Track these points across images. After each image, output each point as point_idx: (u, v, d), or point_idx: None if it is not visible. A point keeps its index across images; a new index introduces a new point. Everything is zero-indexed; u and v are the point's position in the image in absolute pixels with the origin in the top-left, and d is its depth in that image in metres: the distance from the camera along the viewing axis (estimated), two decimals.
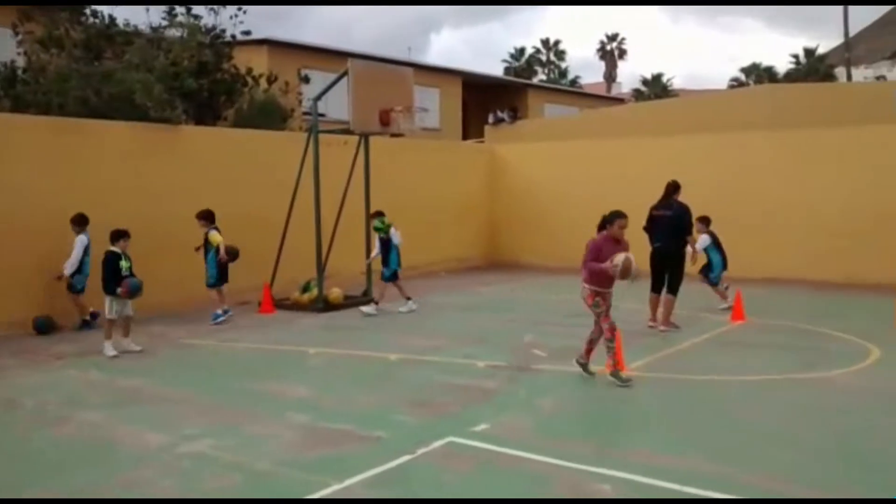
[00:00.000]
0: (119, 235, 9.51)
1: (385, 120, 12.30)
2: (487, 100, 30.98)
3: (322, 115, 14.04)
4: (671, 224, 10.56)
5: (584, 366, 8.07)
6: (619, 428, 6.53)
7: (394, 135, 13.58)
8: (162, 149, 12.81)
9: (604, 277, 7.73)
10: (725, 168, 16.44)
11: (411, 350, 9.47)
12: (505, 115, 21.59)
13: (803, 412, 6.86)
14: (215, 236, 11.48)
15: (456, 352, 9.39)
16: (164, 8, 16.11)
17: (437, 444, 5.99)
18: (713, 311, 11.85)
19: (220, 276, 11.61)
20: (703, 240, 12.08)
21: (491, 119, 21.77)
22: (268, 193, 13.78)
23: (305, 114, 17.53)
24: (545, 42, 62.73)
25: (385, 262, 12.26)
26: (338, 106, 16.79)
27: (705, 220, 12.35)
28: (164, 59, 14.75)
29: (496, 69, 58.45)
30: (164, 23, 16.01)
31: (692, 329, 10.57)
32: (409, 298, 12.41)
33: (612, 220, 7.93)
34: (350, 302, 12.92)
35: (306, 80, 19.45)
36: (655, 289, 10.73)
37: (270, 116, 17.01)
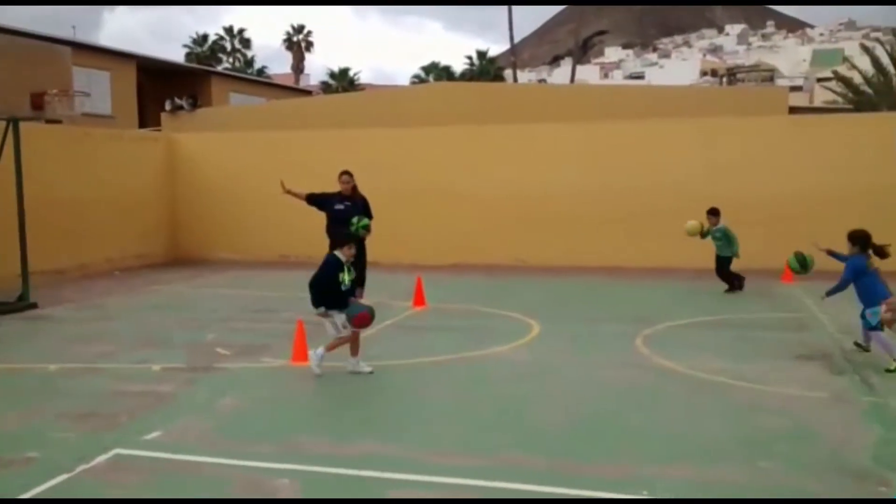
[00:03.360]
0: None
1: (38, 104, 10.95)
2: (167, 86, 29.19)
3: None
4: (351, 217, 10.32)
5: None
6: (302, 421, 6.46)
7: (49, 121, 12.17)
8: None
9: None
10: (409, 160, 17.15)
11: (76, 358, 8.55)
12: (184, 103, 20.48)
13: (473, 387, 7.34)
14: None
15: (129, 357, 8.66)
16: None
17: (101, 458, 5.46)
18: (396, 297, 12.27)
19: None
20: None
21: (168, 106, 20.51)
22: None
23: None
24: (229, 30, 60.86)
25: None
26: None
27: None
28: None
29: (177, 54, 55.57)
30: None
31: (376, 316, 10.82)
32: None
33: None
34: (1, 309, 11.37)
35: None
36: None
37: None
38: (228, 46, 60.53)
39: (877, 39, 34.92)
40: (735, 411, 6.46)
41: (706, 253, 14.82)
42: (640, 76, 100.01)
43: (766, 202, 14.93)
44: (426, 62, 51.67)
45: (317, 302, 7.61)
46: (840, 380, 7.39)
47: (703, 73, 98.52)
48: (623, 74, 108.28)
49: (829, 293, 8.33)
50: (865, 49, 30.62)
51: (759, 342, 9.11)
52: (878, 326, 7.80)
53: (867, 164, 14.60)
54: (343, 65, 64.00)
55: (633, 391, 7.15)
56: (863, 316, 8.02)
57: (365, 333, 9.69)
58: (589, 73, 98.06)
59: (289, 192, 10.69)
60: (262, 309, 11.79)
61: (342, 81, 52.39)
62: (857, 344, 8.43)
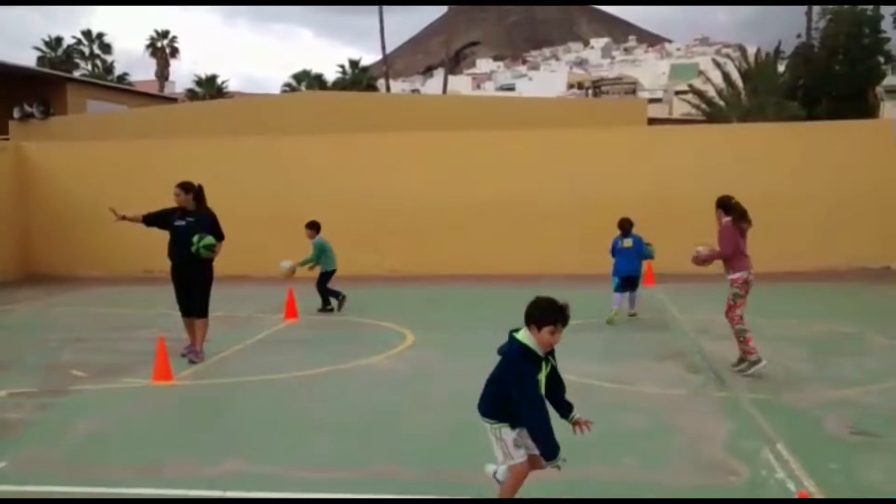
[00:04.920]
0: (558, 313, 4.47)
1: None
2: (16, 92, 27.37)
3: None
4: (191, 234, 8.54)
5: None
6: (164, 443, 6.16)
7: None
8: None
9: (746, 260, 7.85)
10: (280, 170, 16.80)
11: None
12: (34, 110, 19.26)
13: (345, 399, 7.25)
14: None
15: None
16: None
17: None
18: (267, 311, 11.98)
19: None
20: None
21: (17, 113, 19.21)
22: None
23: None
24: (87, 33, 57.91)
25: None
26: None
27: None
28: None
29: (29, 58, 52.38)
30: None
31: (245, 331, 10.54)
32: None
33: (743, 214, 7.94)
34: None
35: None
36: (186, 311, 8.91)
37: None
38: (86, 51, 57.63)
39: (727, 55, 37.30)
40: (600, 411, 6.62)
41: (577, 259, 15.31)
42: (511, 87, 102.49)
43: (626, 208, 15.47)
44: (297, 70, 50.49)
45: (489, 408, 4.58)
46: (696, 377, 7.78)
47: (571, 86, 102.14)
48: (495, 86, 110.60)
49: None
50: (717, 64, 32.62)
51: (623, 344, 9.48)
52: (617, 289, 10.89)
53: (718, 170, 15.47)
54: (210, 72, 61.93)
55: None
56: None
57: (233, 349, 9.46)
58: (461, 84, 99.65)
59: (123, 218, 9.04)
60: (123, 327, 11.23)
61: (209, 89, 50.84)
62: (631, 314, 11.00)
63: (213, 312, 9.31)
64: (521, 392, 4.28)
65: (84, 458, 5.76)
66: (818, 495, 4.79)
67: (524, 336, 4.38)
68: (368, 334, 10.39)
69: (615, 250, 11.09)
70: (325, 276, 12.12)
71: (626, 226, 11.09)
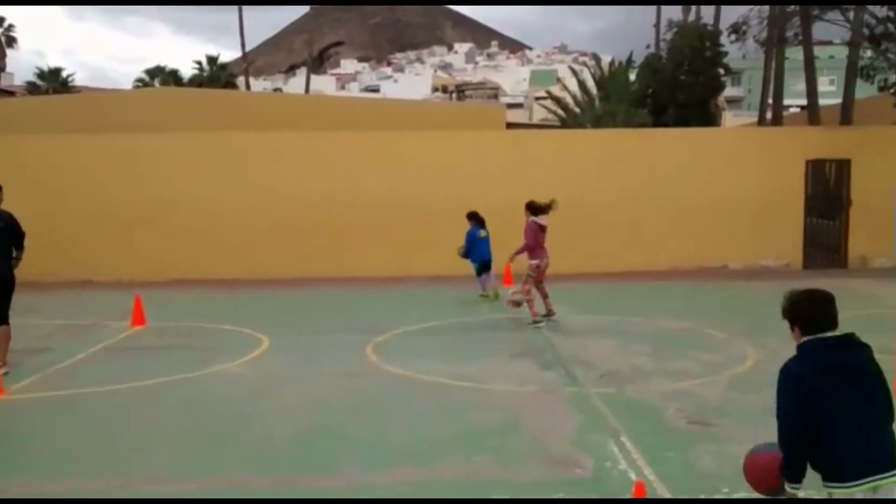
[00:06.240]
0: None
1: None
2: None
3: None
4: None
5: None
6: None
7: None
8: None
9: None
10: (129, 169, 15.97)
11: None
12: None
13: (194, 409, 6.99)
14: None
15: None
16: None
17: None
18: (112, 317, 11.35)
19: None
20: None
21: None
22: None
23: None
24: None
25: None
26: None
27: None
28: None
29: None
30: None
31: (88, 338, 9.95)
32: None
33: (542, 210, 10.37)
34: None
35: None
36: None
37: None
38: None
39: (584, 63, 38.79)
40: (453, 411, 6.76)
41: (439, 260, 15.44)
42: (375, 89, 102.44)
43: (487, 210, 15.86)
44: (151, 65, 48.10)
45: (798, 470, 3.26)
46: (548, 374, 8.02)
47: (435, 89, 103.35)
48: (359, 87, 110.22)
49: (465, 254, 12.74)
50: (574, 72, 33.85)
51: (480, 343, 9.64)
52: (477, 272, 12.68)
53: (574, 173, 16.03)
54: (55, 64, 58.01)
55: (360, 400, 7.21)
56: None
57: (73, 358, 8.90)
58: (325, 84, 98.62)
59: None
60: None
61: (53, 82, 47.69)
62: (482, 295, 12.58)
63: (52, 320, 8.75)
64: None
65: None
66: (656, 484, 5.04)
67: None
68: (222, 340, 10.05)
69: (473, 240, 12.51)
70: None
71: (480, 218, 12.71)
